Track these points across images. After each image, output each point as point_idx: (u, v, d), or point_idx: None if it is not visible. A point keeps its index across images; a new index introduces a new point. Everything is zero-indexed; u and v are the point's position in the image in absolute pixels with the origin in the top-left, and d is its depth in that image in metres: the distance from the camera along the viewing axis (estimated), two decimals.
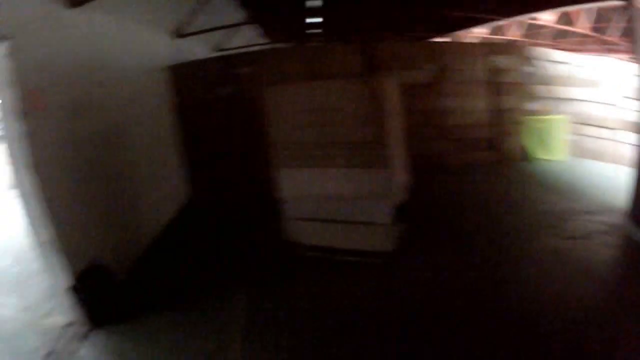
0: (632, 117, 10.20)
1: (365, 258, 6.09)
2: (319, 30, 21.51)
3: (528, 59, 10.58)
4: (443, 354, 4.32)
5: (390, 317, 4.95)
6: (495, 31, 23.16)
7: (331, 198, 6.29)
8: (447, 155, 10.46)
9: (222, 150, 10.19)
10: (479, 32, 22.74)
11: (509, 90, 10.31)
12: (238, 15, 13.83)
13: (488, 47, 10.50)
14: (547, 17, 16.60)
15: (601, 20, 17.96)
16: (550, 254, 6.10)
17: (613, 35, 17.69)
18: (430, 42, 15.84)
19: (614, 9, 16.08)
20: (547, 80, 10.79)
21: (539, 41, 22.60)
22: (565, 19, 18.23)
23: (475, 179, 9.63)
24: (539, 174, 9.86)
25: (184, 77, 9.90)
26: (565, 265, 5.81)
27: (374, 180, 6.02)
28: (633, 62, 9.11)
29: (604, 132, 10.91)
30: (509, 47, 10.87)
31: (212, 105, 10.13)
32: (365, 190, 6.09)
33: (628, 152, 9.67)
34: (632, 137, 10.14)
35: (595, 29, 18.61)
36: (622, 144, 10.63)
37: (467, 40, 24.05)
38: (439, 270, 5.84)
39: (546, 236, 6.69)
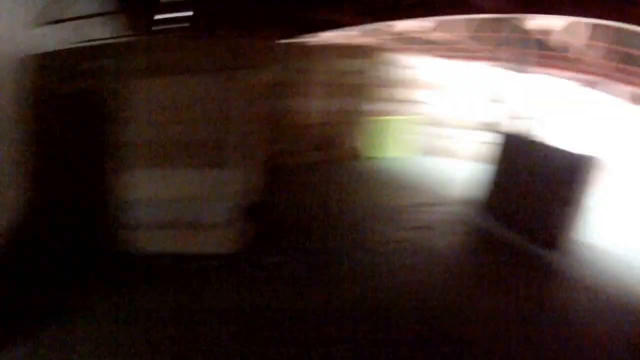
0: (475, 117, 11.70)
1: (209, 261, 5.72)
2: (179, 25, 20.57)
3: (376, 63, 10.94)
4: (292, 347, 4.20)
5: (239, 318, 4.70)
6: (361, 36, 23.33)
7: (176, 200, 5.85)
8: (292, 154, 10.15)
9: (63, 150, 9.21)
10: (340, 35, 22.97)
11: (355, 92, 10.51)
12: (102, 5, 12.77)
13: (337, 50, 10.56)
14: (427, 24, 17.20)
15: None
16: (394, 244, 6.44)
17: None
18: (277, 42, 15.70)
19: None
20: (394, 83, 11.29)
21: (400, 46, 23.46)
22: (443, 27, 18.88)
23: (318, 178, 9.68)
24: (382, 171, 10.31)
25: (36, 69, 8.81)
26: (410, 253, 6.20)
27: (217, 181, 5.75)
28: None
29: (447, 131, 11.96)
30: (357, 51, 11.00)
31: (59, 101, 9.12)
32: (207, 192, 5.78)
33: (470, 149, 11.26)
34: (474, 135, 11.59)
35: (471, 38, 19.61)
36: (465, 142, 11.95)
37: (321, 42, 24.39)
38: (284, 269, 5.74)
39: (389, 228, 7.02)
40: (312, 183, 9.25)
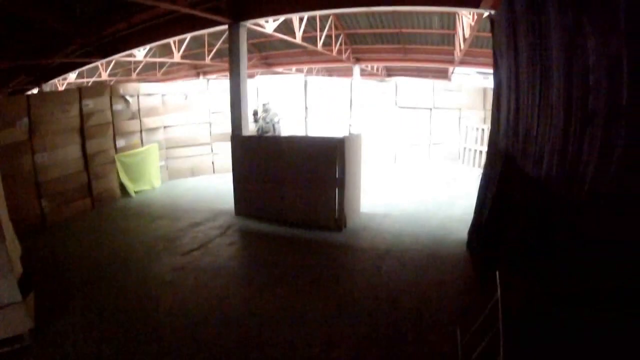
0: (217, 130, 12.95)
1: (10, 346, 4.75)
2: None
3: (119, 97, 10.74)
4: None
5: None
6: (90, 73, 23.12)
7: None
8: (49, 212, 8.98)
9: None
10: (74, 78, 22.69)
11: (99, 132, 10.09)
12: None
13: (78, 93, 9.75)
14: (141, 53, 17.64)
15: (195, 47, 20.12)
16: (173, 270, 6.70)
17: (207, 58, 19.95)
18: (19, 95, 14.44)
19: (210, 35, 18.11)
20: (139, 114, 11.34)
21: (136, 77, 24.20)
22: (162, 50, 19.62)
23: (87, 226, 8.92)
24: (142, 205, 10.26)
25: None
26: (189, 275, 6.56)
27: None
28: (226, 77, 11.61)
29: (197, 149, 12.82)
30: (99, 89, 10.47)
31: None
32: None
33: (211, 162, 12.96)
34: (221, 147, 12.82)
35: (192, 55, 20.80)
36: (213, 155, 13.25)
37: (62, 88, 23.60)
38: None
39: (165, 256, 7.25)
40: (82, 232, 8.54)
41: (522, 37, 5.29)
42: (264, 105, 12.09)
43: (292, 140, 9.12)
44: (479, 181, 8.05)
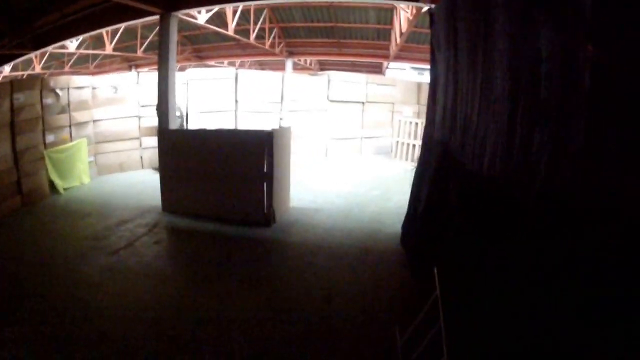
0: (147, 123, 12.33)
1: None
2: None
3: (49, 91, 10.04)
4: None
5: None
6: (25, 66, 22.00)
7: None
8: None
9: None
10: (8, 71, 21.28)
11: (29, 126, 9.34)
12: None
13: (10, 86, 9.03)
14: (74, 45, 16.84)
15: (128, 39, 19.45)
16: (101, 272, 6.34)
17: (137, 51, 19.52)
18: None
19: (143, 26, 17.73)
20: (68, 108, 10.66)
21: (67, 70, 23.08)
22: (95, 43, 18.93)
23: (8, 230, 8.07)
24: (71, 203, 9.61)
25: None
26: (117, 276, 6.22)
27: None
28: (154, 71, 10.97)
29: (126, 144, 12.19)
30: (30, 82, 9.77)
31: None
32: None
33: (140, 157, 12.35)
34: (150, 141, 12.24)
35: (125, 48, 20.06)
36: (142, 149, 12.63)
37: None
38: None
39: (93, 256, 6.85)
40: (11, 232, 7.88)
41: (464, 30, 5.17)
42: None
43: (219, 134, 8.87)
44: (413, 175, 7.92)
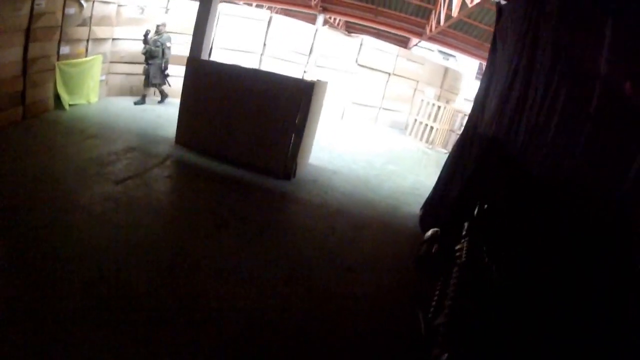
0: (173, 51, 11.14)
1: None
2: None
3: (73, 0, 8.91)
4: None
5: None
6: None
7: None
8: None
9: None
10: None
11: (46, 35, 8.32)
12: None
13: None
14: None
15: None
16: (104, 200, 5.66)
17: None
18: None
19: None
20: (90, 21, 9.58)
21: None
22: None
23: (5, 144, 7.05)
24: (76, 120, 8.70)
25: None
26: (121, 208, 5.55)
27: None
28: None
29: (141, 68, 11.02)
30: None
31: None
32: None
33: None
34: (170, 69, 11.15)
35: None
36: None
37: None
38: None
39: (96, 183, 6.16)
40: (7, 147, 6.88)
41: (538, 30, 4.93)
42: (157, 26, 10.58)
43: (256, 74, 8.18)
44: (447, 160, 7.74)
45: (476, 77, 22.10)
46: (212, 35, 11.36)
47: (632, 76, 2.84)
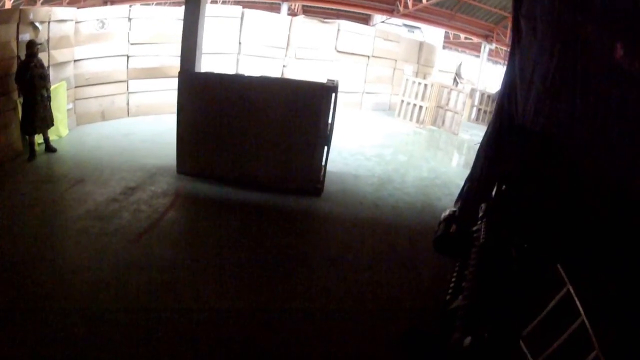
0: (138, 64, 10.05)
1: None
2: None
3: (27, 24, 7.30)
4: None
5: None
6: None
7: None
8: None
9: None
10: None
11: (3, 69, 6.78)
12: None
13: None
14: None
15: None
16: (130, 269, 4.38)
17: None
18: None
19: None
20: (47, 45, 7.93)
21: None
22: None
23: None
24: (53, 163, 7.10)
25: None
26: (143, 274, 4.31)
27: None
28: None
29: (110, 88, 9.71)
30: (4, 15, 7.18)
31: None
32: None
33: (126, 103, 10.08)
34: (140, 85, 10.12)
35: None
36: (136, 94, 10.29)
37: None
38: None
39: (105, 244, 4.81)
40: None
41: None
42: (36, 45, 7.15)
43: (266, 83, 6.88)
44: (478, 150, 7.01)
45: (444, 47, 21.48)
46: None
47: None
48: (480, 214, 3.68)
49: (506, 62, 6.64)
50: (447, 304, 3.47)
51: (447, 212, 4.61)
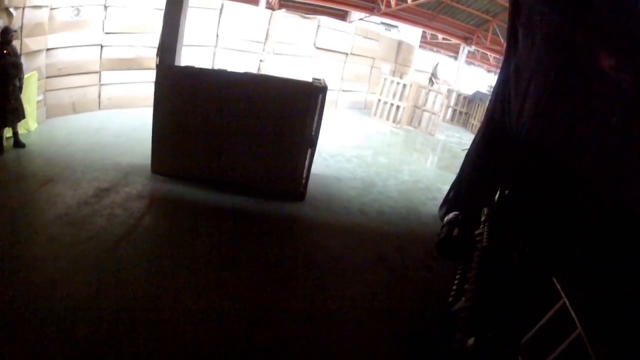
0: (112, 54, 9.46)
1: None
2: None
3: (1, 10, 6.78)
4: None
5: None
6: None
7: None
8: None
9: None
10: None
11: None
12: None
13: None
14: None
15: None
16: (100, 290, 4.00)
17: None
18: None
19: None
20: (20, 33, 7.31)
21: None
22: None
23: None
24: (21, 160, 6.53)
25: None
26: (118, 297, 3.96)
27: None
28: None
29: (82, 79, 9.10)
30: None
31: None
32: None
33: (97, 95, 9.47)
34: (114, 76, 9.55)
35: None
36: (109, 86, 9.65)
37: None
38: None
39: (77, 255, 4.40)
40: None
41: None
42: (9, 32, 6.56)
43: (252, 80, 6.49)
44: (466, 157, 6.96)
45: (420, 46, 21.40)
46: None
47: None
48: (483, 218, 3.59)
49: (499, 71, 6.56)
50: (449, 305, 3.40)
51: (450, 216, 4.52)
